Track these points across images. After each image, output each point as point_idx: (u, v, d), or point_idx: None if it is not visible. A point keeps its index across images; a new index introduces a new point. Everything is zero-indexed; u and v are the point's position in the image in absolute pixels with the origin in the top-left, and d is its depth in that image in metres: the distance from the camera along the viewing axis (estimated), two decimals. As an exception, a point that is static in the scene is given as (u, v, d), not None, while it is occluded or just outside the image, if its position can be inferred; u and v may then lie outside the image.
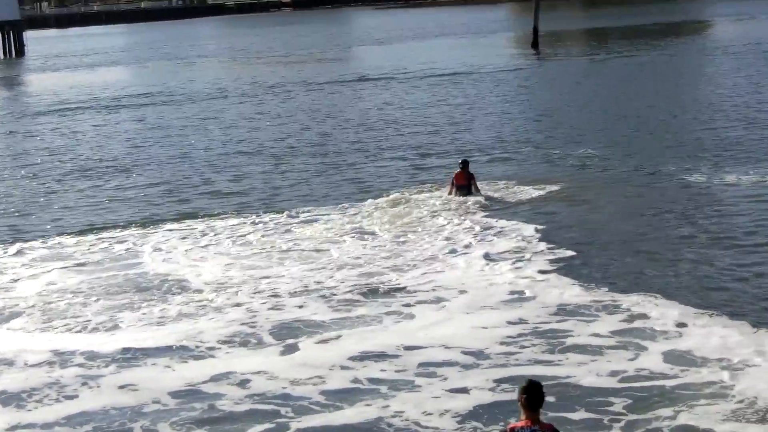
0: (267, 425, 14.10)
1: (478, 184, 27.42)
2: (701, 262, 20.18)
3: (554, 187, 27.73)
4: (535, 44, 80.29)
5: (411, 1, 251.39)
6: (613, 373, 14.99)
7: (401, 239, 23.49)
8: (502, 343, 16.43)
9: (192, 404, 14.92)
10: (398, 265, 21.32)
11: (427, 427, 13.68)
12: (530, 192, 27.45)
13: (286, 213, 26.79)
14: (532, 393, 9.40)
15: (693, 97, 45.77)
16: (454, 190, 27.34)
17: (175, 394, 15.26)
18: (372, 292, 19.58)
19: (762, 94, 44.23)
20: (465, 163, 27.69)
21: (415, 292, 19.48)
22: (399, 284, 20.00)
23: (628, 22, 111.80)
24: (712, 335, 16.05)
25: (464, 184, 27.30)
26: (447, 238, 23.28)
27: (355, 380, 15.34)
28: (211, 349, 17.07)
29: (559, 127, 38.64)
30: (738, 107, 40.53)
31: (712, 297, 18.01)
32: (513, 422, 9.75)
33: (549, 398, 14.04)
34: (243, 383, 15.51)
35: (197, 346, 17.17)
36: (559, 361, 15.63)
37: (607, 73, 59.08)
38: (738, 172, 28.09)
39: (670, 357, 15.39)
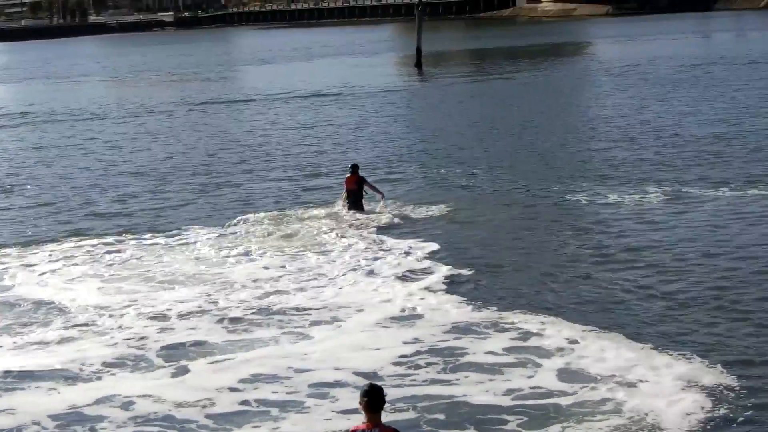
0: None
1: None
2: (588, 281, 20.39)
3: (441, 207, 27.80)
4: (418, 64, 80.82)
5: (294, 21, 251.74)
6: (508, 391, 15.00)
7: (292, 258, 23.29)
8: (396, 363, 16.35)
9: (72, 427, 14.54)
10: (290, 285, 21.10)
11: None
12: (417, 211, 27.48)
13: (170, 233, 26.39)
14: (373, 396, 9.77)
15: (574, 117, 46.40)
16: (345, 196, 27.39)
17: (55, 417, 14.87)
18: (265, 312, 19.32)
19: (642, 114, 45.01)
20: (354, 167, 27.71)
21: (308, 311, 19.32)
22: (292, 304, 19.78)
23: (511, 43, 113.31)
24: (604, 352, 16.18)
25: (354, 188, 27.36)
26: (337, 257, 23.15)
27: (245, 402, 15.10)
28: (96, 372, 16.66)
29: (444, 147, 38.78)
30: (619, 127, 41.18)
31: (602, 315, 18.17)
32: (355, 425, 10.01)
33: (440, 416, 14.15)
34: (128, 405, 15.18)
35: (81, 369, 16.74)
36: (454, 380, 15.59)
37: (490, 94, 59.64)
38: (620, 192, 28.48)
39: (564, 374, 15.47)
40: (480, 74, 74.38)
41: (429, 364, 16.31)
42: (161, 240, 25.76)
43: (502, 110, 50.57)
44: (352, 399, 14.89)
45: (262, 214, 27.88)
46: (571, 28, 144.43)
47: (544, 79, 66.85)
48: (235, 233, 25.99)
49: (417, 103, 56.46)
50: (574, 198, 28.21)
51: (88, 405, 15.30)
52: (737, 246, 22.41)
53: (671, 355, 15.95)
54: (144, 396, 15.48)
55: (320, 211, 27.86)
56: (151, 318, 19.38)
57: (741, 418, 13.77)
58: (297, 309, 19.52)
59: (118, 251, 24.78)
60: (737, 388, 14.64)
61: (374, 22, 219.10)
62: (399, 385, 15.52)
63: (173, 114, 56.14)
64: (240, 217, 27.62)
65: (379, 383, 15.10)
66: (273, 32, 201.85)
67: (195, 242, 25.27)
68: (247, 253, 23.88)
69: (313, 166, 35.85)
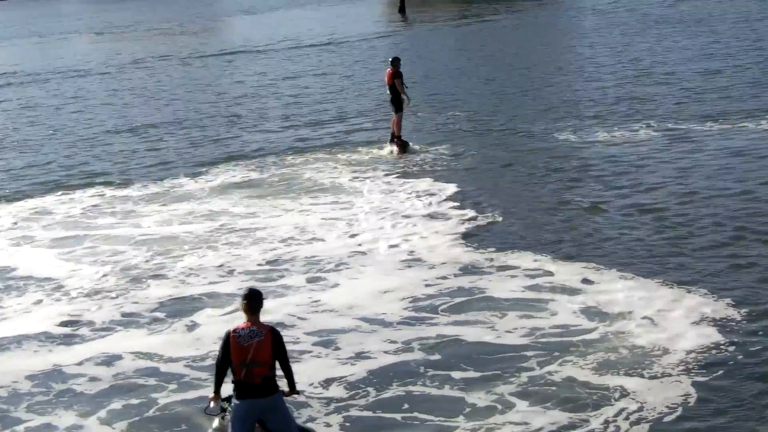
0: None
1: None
2: (589, 223, 20.45)
3: (437, 149, 28.06)
4: (402, 10, 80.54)
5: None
6: (523, 329, 15.16)
7: (303, 203, 23.52)
8: (413, 308, 16.45)
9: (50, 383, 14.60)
10: (306, 232, 21.24)
11: (319, 397, 13.52)
12: (410, 157, 27.63)
13: (167, 181, 26.64)
14: (251, 299, 10.69)
15: (561, 57, 46.33)
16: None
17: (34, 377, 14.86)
18: (283, 261, 19.41)
19: (628, 52, 45.01)
20: (392, 61, 28.44)
21: (323, 260, 19.32)
22: (303, 252, 19.84)
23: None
24: (617, 291, 16.35)
25: (390, 84, 28.04)
26: (346, 200, 23.47)
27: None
28: (104, 328, 16.70)
29: (431, 92, 38.71)
30: (611, 66, 41.22)
31: (610, 254, 18.29)
32: (236, 325, 10.80)
33: (459, 353, 14.25)
34: (132, 359, 15.19)
35: (92, 324, 16.82)
36: (469, 320, 15.72)
37: (475, 37, 59.48)
38: (610, 129, 28.63)
39: (581, 311, 15.64)
40: (464, 18, 74.02)
41: (445, 305, 16.44)
42: (158, 188, 25.98)
43: (488, 53, 50.43)
44: (360, 343, 15.15)
45: (262, 158, 28.19)
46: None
47: (530, 21, 66.61)
48: (234, 179, 26.29)
49: (401, 48, 56.29)
50: (565, 136, 28.34)
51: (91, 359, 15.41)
52: (736, 180, 22.60)
53: (679, 289, 16.17)
54: (140, 353, 15.52)
55: (317, 155, 28.31)
56: (164, 270, 19.48)
57: (748, 350, 13.98)
58: (307, 257, 19.53)
59: (112, 202, 24.91)
60: (743, 322, 14.84)
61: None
62: (416, 326, 15.68)
63: (158, 68, 55.84)
64: (236, 162, 27.96)
65: (395, 328, 15.48)
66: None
67: (210, 189, 25.52)
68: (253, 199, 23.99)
69: (300, 116, 35.77)
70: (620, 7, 68.95)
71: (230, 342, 10.56)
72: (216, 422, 11.66)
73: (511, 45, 52.92)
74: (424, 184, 24.55)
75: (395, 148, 28.18)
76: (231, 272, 19.01)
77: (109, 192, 26.30)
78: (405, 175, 25.74)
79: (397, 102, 28.21)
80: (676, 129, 28.07)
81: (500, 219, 21.10)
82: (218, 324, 16.04)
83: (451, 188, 23.89)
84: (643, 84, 35.70)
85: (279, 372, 10.77)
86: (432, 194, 23.49)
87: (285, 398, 10.88)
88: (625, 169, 24.27)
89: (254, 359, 10.46)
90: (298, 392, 11.16)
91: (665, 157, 25.14)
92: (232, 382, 10.67)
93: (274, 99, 40.33)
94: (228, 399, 11.02)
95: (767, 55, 39.84)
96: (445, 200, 22.94)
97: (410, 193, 23.73)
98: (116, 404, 13.73)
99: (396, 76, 28.10)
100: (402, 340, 15.11)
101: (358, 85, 42.04)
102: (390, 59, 28.91)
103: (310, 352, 15.00)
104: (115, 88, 48.79)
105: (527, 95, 36.10)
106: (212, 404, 11.04)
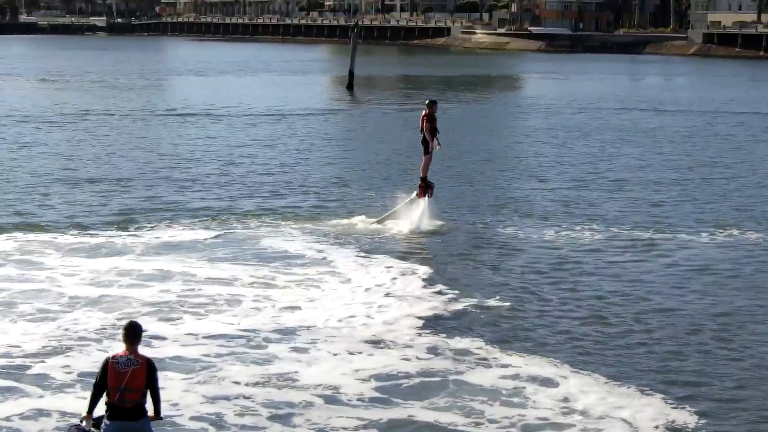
0: None
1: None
2: (557, 319, 20.66)
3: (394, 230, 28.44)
4: (350, 86, 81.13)
5: (229, 35, 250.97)
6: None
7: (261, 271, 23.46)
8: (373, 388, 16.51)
9: None
10: (266, 300, 21.12)
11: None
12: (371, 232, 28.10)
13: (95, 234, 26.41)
14: (130, 330, 11.63)
15: (499, 149, 46.83)
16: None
17: None
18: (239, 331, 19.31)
19: (571, 150, 45.56)
20: (430, 103, 28.89)
21: (283, 332, 19.26)
22: (267, 324, 19.73)
23: (443, 72, 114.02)
24: (581, 391, 16.43)
25: (421, 125, 28.63)
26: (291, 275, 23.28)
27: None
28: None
29: (371, 169, 38.95)
30: (549, 162, 41.66)
31: (572, 351, 18.46)
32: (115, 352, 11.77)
33: None
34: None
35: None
36: (426, 407, 15.73)
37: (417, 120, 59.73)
38: (553, 227, 28.94)
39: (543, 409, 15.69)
40: (410, 100, 74.73)
41: (405, 386, 16.53)
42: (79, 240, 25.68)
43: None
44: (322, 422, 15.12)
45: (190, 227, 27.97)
46: (504, 61, 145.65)
47: (473, 110, 67.38)
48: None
49: (347, 125, 56.68)
50: (512, 232, 28.49)
51: None
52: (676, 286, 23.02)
53: (640, 391, 16.40)
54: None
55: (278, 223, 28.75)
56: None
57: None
58: (266, 328, 19.39)
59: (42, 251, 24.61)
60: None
61: (309, 42, 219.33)
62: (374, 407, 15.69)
63: (100, 122, 55.58)
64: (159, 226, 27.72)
65: (349, 408, 15.47)
66: (207, 44, 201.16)
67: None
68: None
69: (239, 183, 35.71)
70: (569, 108, 69.81)
71: (108, 367, 11.47)
72: None
73: (454, 132, 53.32)
74: (386, 262, 24.81)
75: (415, 193, 28.96)
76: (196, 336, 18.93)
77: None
78: (364, 250, 25.92)
79: (426, 144, 28.52)
80: (619, 234, 28.29)
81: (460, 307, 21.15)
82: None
83: (413, 269, 24.14)
84: (588, 188, 35.94)
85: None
86: (393, 275, 23.59)
87: (151, 423, 11.70)
88: (576, 270, 24.51)
89: (128, 385, 11.40)
90: (161, 418, 11.95)
91: (613, 260, 25.49)
92: (106, 404, 11.49)
93: (219, 163, 40.24)
94: (99, 419, 11.62)
95: (711, 173, 40.33)
96: (408, 280, 23.12)
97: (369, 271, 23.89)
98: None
99: (429, 119, 28.35)
100: (363, 418, 15.17)
101: (310, 158, 42.01)
102: (426, 101, 29.17)
103: (264, 428, 14.96)
104: (58, 137, 48.40)
105: (468, 182, 36.35)
106: (84, 422, 11.72)
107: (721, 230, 28.86)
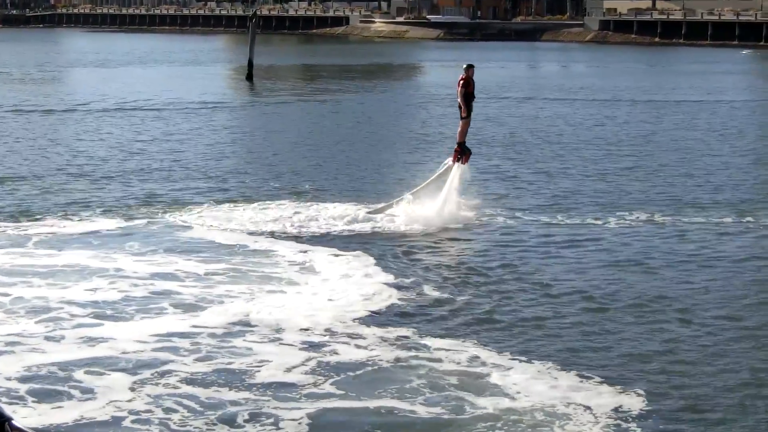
0: None
1: None
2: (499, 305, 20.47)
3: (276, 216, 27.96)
4: (249, 77, 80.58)
5: (126, 26, 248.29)
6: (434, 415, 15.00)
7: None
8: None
9: None
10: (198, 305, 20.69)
11: None
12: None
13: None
14: None
15: (398, 134, 46.77)
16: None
17: None
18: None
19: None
20: (467, 67, 28.32)
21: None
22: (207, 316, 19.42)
23: (342, 61, 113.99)
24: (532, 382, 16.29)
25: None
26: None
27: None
28: None
29: (270, 161, 38.67)
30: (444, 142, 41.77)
31: (526, 343, 18.25)
32: None
33: None
34: None
35: None
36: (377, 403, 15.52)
37: (318, 110, 59.70)
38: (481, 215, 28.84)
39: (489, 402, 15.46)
40: (309, 90, 74.61)
41: (351, 381, 16.26)
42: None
43: (329, 126, 50.71)
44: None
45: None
46: (404, 50, 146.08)
47: (374, 98, 67.37)
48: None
49: (245, 117, 56.27)
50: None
51: None
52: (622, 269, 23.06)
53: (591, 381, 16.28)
54: None
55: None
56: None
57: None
58: (199, 326, 18.85)
59: None
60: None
61: (207, 32, 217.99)
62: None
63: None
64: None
65: (300, 403, 15.17)
66: (104, 35, 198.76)
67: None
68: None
69: (144, 174, 35.15)
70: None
71: None
72: None
73: (354, 120, 53.29)
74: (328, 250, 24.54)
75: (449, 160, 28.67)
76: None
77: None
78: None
79: (460, 108, 28.30)
80: (547, 221, 28.28)
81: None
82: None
83: (356, 257, 23.93)
84: (519, 178, 36.03)
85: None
86: (338, 264, 23.29)
87: None
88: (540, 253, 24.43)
89: None
90: None
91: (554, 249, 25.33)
92: None
93: (122, 156, 39.55)
94: None
95: (619, 159, 40.74)
96: (352, 268, 22.88)
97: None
98: None
99: (465, 84, 27.95)
100: (312, 413, 14.98)
101: (191, 153, 41.37)
102: (464, 65, 28.62)
103: (213, 426, 14.56)
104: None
105: (367, 169, 36.29)
106: None
107: (627, 215, 28.83)
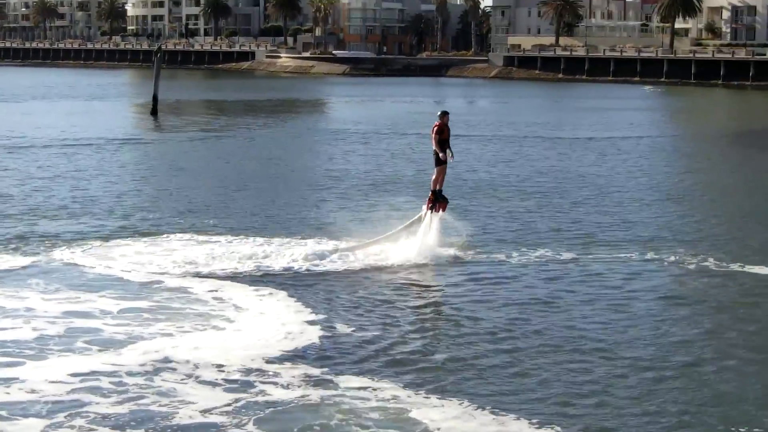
0: None
1: None
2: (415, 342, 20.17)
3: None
4: (154, 112, 79.81)
5: (29, 60, 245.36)
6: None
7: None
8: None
9: None
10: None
11: None
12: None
13: None
14: None
15: (304, 170, 46.47)
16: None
17: None
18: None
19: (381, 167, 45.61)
20: (441, 114, 28.08)
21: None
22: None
23: (247, 96, 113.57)
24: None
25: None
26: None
27: None
28: None
29: (175, 197, 38.11)
30: (352, 180, 41.56)
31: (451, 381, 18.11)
32: None
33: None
34: None
35: None
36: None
37: (224, 146, 59.21)
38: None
39: None
40: (215, 126, 74.12)
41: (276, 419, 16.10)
42: None
43: (236, 163, 50.27)
44: None
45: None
46: (310, 85, 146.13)
47: (277, 133, 67.14)
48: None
49: (150, 152, 55.50)
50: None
51: None
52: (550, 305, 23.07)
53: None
54: None
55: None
56: None
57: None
58: (118, 365, 18.46)
59: None
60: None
61: (112, 67, 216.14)
62: None
63: None
64: None
65: None
66: (6, 69, 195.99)
67: None
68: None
69: (38, 211, 34.36)
70: (379, 131, 70.04)
71: None
72: None
73: (259, 155, 52.90)
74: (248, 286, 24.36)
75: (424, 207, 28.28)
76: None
77: None
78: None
79: (436, 155, 27.81)
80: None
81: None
82: None
83: (272, 292, 23.79)
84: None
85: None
86: (254, 299, 23.12)
87: None
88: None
89: None
90: None
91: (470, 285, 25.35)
92: None
93: (23, 194, 38.69)
94: None
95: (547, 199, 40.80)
96: (268, 304, 22.68)
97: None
98: None
99: (438, 131, 27.52)
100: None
101: (92, 191, 40.54)
102: (439, 112, 28.33)
103: None
104: None
105: (278, 207, 35.88)
106: None
107: (533, 251, 28.95)
